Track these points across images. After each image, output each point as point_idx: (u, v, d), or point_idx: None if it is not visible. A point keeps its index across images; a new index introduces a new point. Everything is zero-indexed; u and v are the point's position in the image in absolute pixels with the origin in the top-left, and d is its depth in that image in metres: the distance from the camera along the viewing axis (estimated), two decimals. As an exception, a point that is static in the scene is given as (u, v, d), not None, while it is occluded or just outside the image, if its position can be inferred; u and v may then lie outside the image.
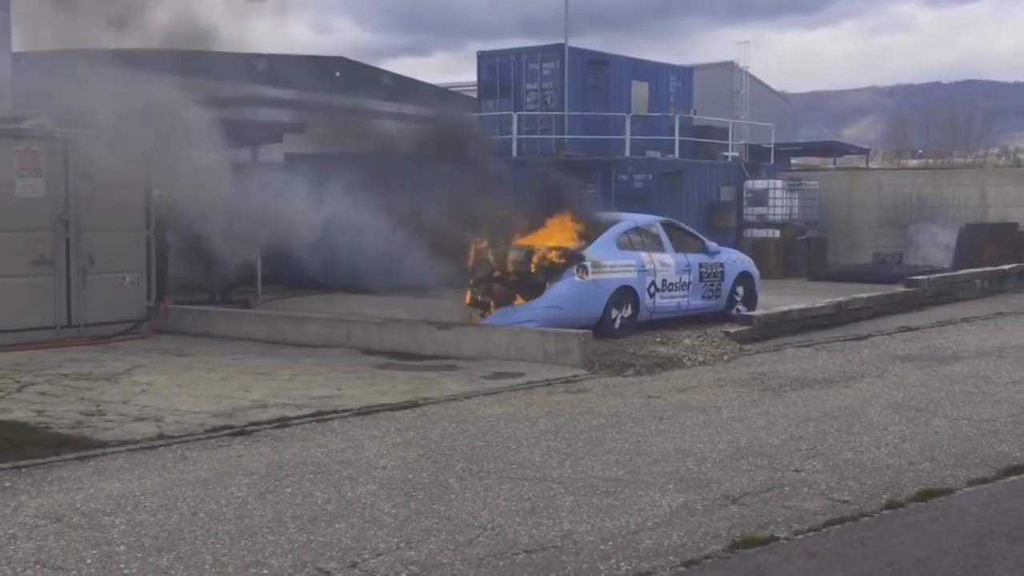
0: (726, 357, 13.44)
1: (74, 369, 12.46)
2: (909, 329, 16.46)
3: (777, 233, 25.96)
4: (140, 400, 10.64)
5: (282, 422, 9.59)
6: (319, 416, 9.86)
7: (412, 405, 10.40)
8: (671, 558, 6.09)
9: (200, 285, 18.71)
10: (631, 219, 15.74)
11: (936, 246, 26.96)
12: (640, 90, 27.52)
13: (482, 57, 27.53)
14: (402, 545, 6.30)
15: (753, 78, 47.15)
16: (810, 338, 15.27)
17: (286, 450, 8.61)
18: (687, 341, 13.96)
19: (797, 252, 26.00)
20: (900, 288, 19.42)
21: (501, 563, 6.02)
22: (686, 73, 29.72)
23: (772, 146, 29.61)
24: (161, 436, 9.04)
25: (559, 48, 26.61)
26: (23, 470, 7.95)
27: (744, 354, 13.82)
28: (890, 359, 13.53)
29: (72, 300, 15.22)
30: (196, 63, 24.08)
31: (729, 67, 45.63)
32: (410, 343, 13.76)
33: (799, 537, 6.45)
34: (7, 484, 7.60)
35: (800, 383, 11.77)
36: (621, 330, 14.47)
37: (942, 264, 25.66)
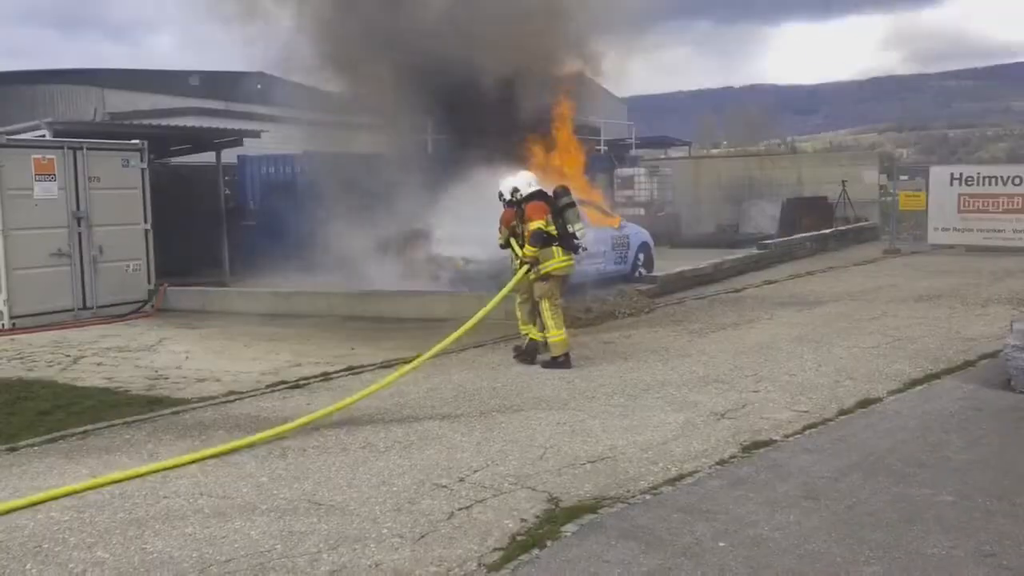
0: (646, 310, 13.97)
1: (112, 343, 12.21)
2: (770, 282, 17.30)
3: (642, 211, 26.69)
4: (190, 365, 10.54)
5: (325, 376, 9.68)
6: (352, 370, 9.97)
7: (422, 358, 10.57)
8: (704, 460, 6.53)
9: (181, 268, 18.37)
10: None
11: (764, 217, 28.12)
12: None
13: (396, 71, 27.39)
14: (490, 463, 6.58)
15: (598, 85, 48.00)
16: (700, 292, 15.94)
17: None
18: (611, 299, 14.42)
19: (658, 225, 26.76)
20: (755, 250, 20.35)
21: (576, 471, 6.36)
22: (557, 82, 30.19)
23: (633, 141, 30.39)
24: (231, 392, 9.04)
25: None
26: (132, 424, 7.90)
27: (656, 307, 14.37)
28: (771, 305, 14.26)
29: (86, 286, 14.83)
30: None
31: (580, 77, 46.26)
32: (388, 309, 13.88)
33: (791, 439, 6.98)
34: (127, 436, 7.56)
35: (715, 327, 12.36)
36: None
37: (769, 231, 26.78)
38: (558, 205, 10.14)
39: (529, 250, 9.96)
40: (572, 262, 10.23)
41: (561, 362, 9.84)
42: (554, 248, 10.02)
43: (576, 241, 10.14)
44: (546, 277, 10.03)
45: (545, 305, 10.01)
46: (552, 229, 10.01)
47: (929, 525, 5.19)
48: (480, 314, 9.33)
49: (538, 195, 10.15)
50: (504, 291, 10.03)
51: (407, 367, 8.87)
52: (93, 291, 14.86)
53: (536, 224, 9.93)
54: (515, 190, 10.22)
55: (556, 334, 9.92)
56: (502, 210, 10.42)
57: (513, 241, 10.23)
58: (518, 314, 10.43)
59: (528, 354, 10.14)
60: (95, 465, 6.76)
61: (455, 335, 9.08)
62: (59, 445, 7.35)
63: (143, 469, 6.52)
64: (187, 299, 15.77)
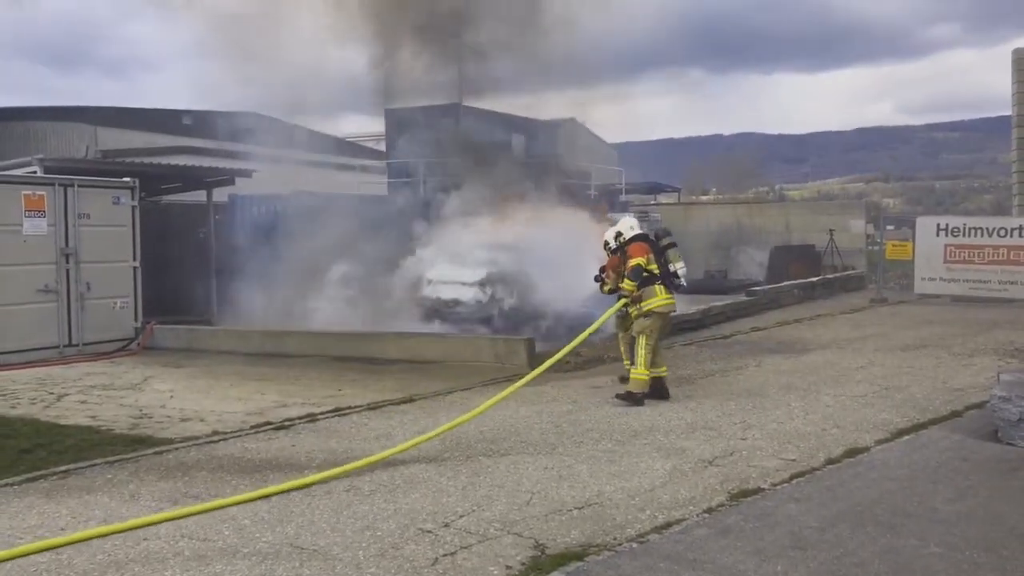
0: (635, 355, 13.93)
1: (96, 381, 12.12)
2: (759, 329, 17.32)
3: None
4: (174, 404, 10.46)
5: (311, 417, 9.60)
6: (339, 411, 9.90)
7: (409, 400, 10.53)
8: (691, 508, 6.48)
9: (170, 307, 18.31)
10: (550, 246, 16.05)
11: (753, 264, 28.29)
12: (518, 140, 28.05)
13: (388, 113, 27.50)
14: (476, 508, 6.51)
15: (589, 131, 48.38)
16: (688, 338, 15.95)
17: (329, 440, 8.66)
18: (598, 343, 14.40)
19: (647, 271, 26.83)
20: (743, 297, 20.40)
21: (563, 517, 6.30)
22: (552, 126, 30.46)
23: (623, 186, 30.57)
24: (215, 432, 8.96)
25: (455, 107, 26.87)
26: (114, 464, 7.81)
27: (645, 352, 14.35)
28: (759, 352, 14.25)
29: (72, 322, 14.77)
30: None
31: (571, 122, 46.67)
32: (377, 351, 13.81)
33: (779, 487, 6.93)
34: (109, 476, 7.47)
35: (702, 373, 12.34)
36: (546, 336, 14.77)
37: (757, 278, 26.90)
38: (660, 245, 10.66)
39: (628, 283, 10.40)
40: (674, 300, 10.67)
41: (637, 399, 10.12)
42: (656, 286, 10.41)
43: (677, 280, 10.65)
44: (649, 314, 10.39)
45: (641, 341, 10.30)
46: (654, 268, 10.45)
47: (917, 577, 5.15)
48: (577, 340, 10.22)
49: (640, 238, 10.65)
50: (599, 322, 10.55)
51: (519, 383, 9.42)
52: (79, 328, 14.79)
53: (637, 260, 10.34)
54: (619, 235, 10.81)
55: (642, 371, 10.23)
56: (607, 258, 11.04)
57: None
58: (621, 348, 11.08)
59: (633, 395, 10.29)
60: (75, 505, 6.67)
61: (567, 349, 10.26)
62: (39, 484, 7.26)
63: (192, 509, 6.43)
64: (174, 337, 15.69)
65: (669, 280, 10.51)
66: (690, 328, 16.94)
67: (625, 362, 10.79)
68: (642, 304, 10.36)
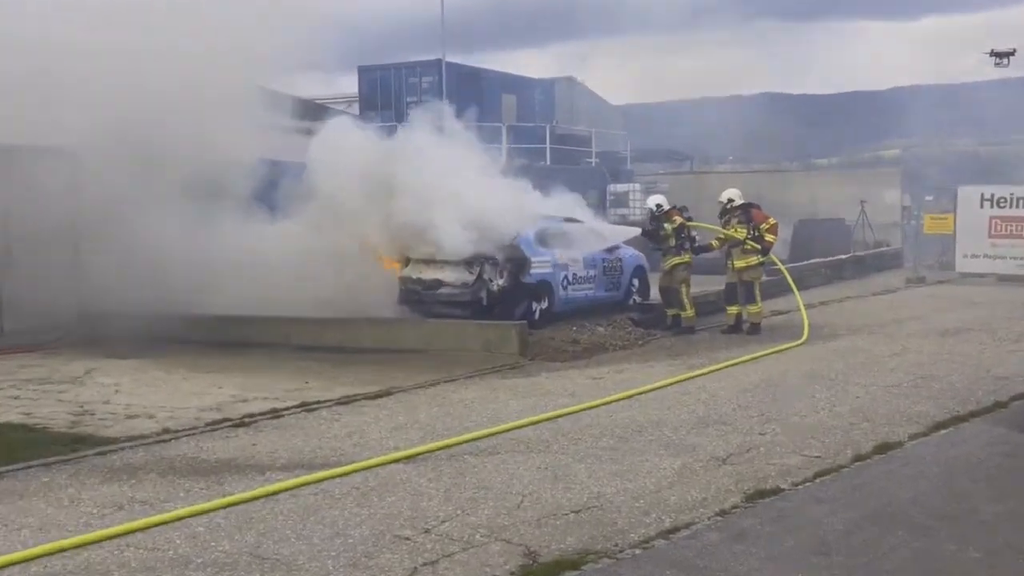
0: (640, 342, 14.00)
1: (32, 374, 12.07)
2: (780, 313, 17.30)
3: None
4: (119, 400, 10.45)
5: (275, 413, 9.61)
6: (306, 406, 9.91)
7: (386, 393, 10.53)
8: (702, 511, 6.51)
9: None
10: (544, 220, 15.99)
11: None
12: (509, 101, 28.05)
13: (363, 71, 27.48)
14: (459, 512, 6.54)
15: (591, 92, 48.23)
16: (701, 322, 15.89)
17: (293, 438, 8.67)
18: (601, 329, 14.43)
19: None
20: (763, 277, 20.36)
21: (558, 522, 6.33)
22: (548, 86, 30.46)
23: (628, 153, 30.56)
24: (166, 431, 8.96)
25: (437, 63, 26.87)
26: (53, 467, 7.80)
27: (652, 338, 14.41)
28: (780, 338, 14.23)
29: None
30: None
31: (569, 81, 46.57)
32: (348, 339, 13.78)
33: (800, 487, 6.98)
34: (46, 479, 7.46)
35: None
36: (540, 321, 14.77)
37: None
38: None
39: (772, 238, 15.45)
40: None
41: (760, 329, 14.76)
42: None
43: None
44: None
45: (757, 286, 15.15)
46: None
47: (954, 585, 5.19)
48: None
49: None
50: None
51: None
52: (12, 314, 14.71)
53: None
54: (730, 200, 15.71)
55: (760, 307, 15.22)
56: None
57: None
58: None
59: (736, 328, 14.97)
60: (6, 512, 6.67)
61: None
62: (-34, 489, 7.25)
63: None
64: (120, 324, 15.59)
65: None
66: (703, 311, 16.90)
67: (732, 308, 15.23)
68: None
